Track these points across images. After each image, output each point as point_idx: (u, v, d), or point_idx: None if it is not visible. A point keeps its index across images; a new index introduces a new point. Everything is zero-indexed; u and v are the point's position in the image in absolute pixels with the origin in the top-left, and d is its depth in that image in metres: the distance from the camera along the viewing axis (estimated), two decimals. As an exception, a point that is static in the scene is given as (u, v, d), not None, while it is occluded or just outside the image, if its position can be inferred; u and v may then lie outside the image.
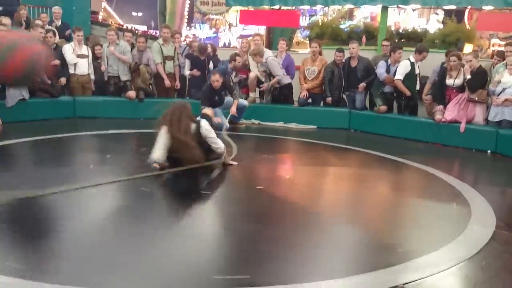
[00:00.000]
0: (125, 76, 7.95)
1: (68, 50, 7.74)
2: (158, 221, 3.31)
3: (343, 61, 7.92)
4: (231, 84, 7.69)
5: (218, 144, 4.75)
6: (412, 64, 7.23)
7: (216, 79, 6.70)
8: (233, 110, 7.02)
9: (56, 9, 9.18)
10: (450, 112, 6.70)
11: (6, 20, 7.21)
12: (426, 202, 4.17)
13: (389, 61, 7.51)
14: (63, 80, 7.69)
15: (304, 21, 14.25)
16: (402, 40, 9.25)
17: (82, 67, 7.83)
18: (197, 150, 4.52)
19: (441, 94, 6.93)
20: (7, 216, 3.25)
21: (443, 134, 6.75)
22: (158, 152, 4.46)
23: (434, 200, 4.20)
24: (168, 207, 3.73)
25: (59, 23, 8.97)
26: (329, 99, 8.01)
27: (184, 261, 2.66)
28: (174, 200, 3.90)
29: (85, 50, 7.89)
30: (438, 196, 4.33)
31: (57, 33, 8.28)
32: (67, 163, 5.04)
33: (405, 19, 12.43)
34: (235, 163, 4.96)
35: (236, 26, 15.96)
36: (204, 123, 4.70)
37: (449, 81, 6.80)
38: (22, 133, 6.01)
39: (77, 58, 7.74)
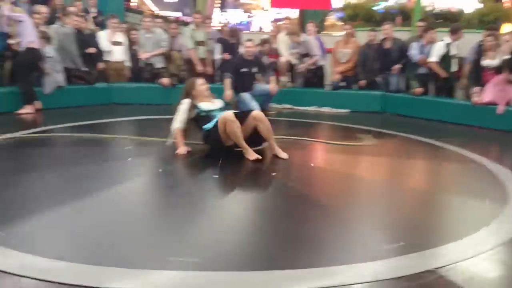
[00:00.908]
0: (159, 64, 8.05)
1: (103, 37, 7.87)
2: (195, 204, 3.33)
3: (377, 42, 7.77)
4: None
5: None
6: (447, 45, 7.02)
7: (249, 46, 6.64)
8: (272, 87, 6.93)
9: None
10: (488, 93, 6.48)
11: (43, 8, 7.38)
12: (462, 185, 4.06)
13: (422, 42, 7.31)
14: (101, 65, 7.83)
15: (338, 3, 13.99)
16: (438, 21, 8.98)
17: (117, 54, 7.97)
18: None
19: (477, 75, 6.71)
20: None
21: (481, 116, 6.55)
22: (179, 123, 4.57)
23: (470, 184, 4.10)
24: (203, 191, 3.76)
25: (94, 10, 9.11)
26: (362, 82, 7.89)
27: (224, 242, 2.69)
28: (208, 184, 3.93)
29: (120, 37, 8.01)
30: (475, 179, 4.21)
31: (92, 21, 8.42)
32: (103, 148, 5.14)
33: (441, -1, 12.00)
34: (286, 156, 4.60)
35: (269, 10, 15.84)
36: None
37: (485, 62, 6.57)
38: (59, 119, 6.17)
39: (112, 45, 7.87)
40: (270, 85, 6.93)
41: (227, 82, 6.59)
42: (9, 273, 2.23)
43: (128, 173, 4.11)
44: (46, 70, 6.88)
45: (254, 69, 6.87)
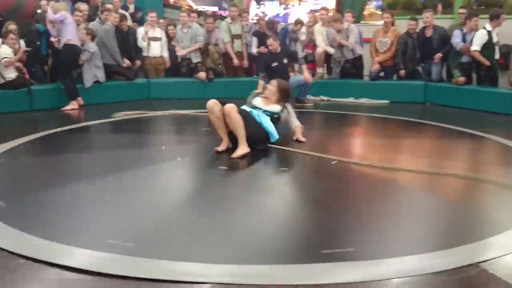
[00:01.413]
0: (196, 58, 8.11)
1: (141, 33, 8.00)
2: (241, 198, 3.35)
3: (417, 31, 7.55)
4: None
5: (295, 123, 4.93)
6: (489, 32, 6.75)
7: (270, 43, 6.66)
8: (307, 76, 6.88)
9: None
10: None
11: (84, 6, 7.57)
12: (507, 178, 3.90)
13: (465, 30, 7.06)
14: (138, 62, 7.98)
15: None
16: (481, 7, 8.65)
17: (155, 49, 8.07)
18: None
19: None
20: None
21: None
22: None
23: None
24: (247, 185, 3.75)
25: (132, 7, 9.26)
26: (402, 72, 7.70)
27: (263, 235, 2.69)
28: (251, 178, 3.92)
29: (158, 32, 8.10)
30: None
31: (129, 17, 8.56)
32: (144, 142, 5.23)
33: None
34: (304, 139, 4.90)
35: (306, 1, 15.70)
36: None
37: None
38: (99, 115, 6.33)
39: (150, 40, 7.98)
40: (304, 74, 6.86)
41: (260, 84, 6.55)
42: (51, 264, 2.29)
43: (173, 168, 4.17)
44: (86, 65, 7.05)
45: (285, 61, 6.82)
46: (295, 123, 4.94)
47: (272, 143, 4.54)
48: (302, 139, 4.91)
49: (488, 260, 2.33)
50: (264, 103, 4.78)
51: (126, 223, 2.83)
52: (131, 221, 2.86)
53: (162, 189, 3.56)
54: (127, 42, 7.85)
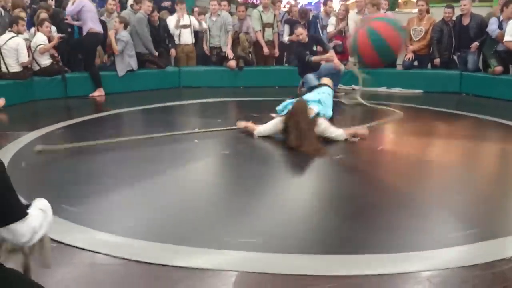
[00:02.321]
0: (226, 47, 8.09)
1: (171, 21, 8.02)
2: (268, 189, 3.34)
3: (454, 19, 7.33)
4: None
5: (336, 133, 4.45)
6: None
7: (299, 32, 6.61)
8: (336, 62, 6.77)
9: None
10: None
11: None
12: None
13: (502, 17, 6.81)
14: (173, 51, 8.01)
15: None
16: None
17: (186, 37, 8.08)
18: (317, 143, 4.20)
19: None
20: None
21: None
22: (263, 130, 4.51)
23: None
24: (272, 176, 3.74)
25: None
26: (437, 60, 7.50)
27: (292, 224, 2.69)
28: (278, 169, 3.91)
29: (187, 20, 8.11)
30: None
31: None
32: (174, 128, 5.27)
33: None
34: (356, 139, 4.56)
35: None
36: (321, 121, 4.43)
37: None
38: (132, 102, 6.42)
39: (181, 28, 7.99)
40: (334, 61, 6.75)
41: (316, 58, 6.62)
42: (83, 249, 2.35)
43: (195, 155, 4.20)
44: (115, 52, 7.14)
45: (314, 48, 6.81)
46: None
47: None
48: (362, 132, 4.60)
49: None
50: None
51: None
52: (155, 207, 2.90)
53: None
54: (158, 35, 7.88)
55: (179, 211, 2.86)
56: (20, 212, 1.34)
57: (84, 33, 6.83)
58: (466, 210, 2.95)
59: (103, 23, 7.40)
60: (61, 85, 6.80)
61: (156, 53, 7.80)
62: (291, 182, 3.56)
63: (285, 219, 2.76)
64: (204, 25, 8.06)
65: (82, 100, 6.73)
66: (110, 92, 7.05)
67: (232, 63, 7.92)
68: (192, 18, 8.16)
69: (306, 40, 6.69)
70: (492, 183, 3.56)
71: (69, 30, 7.26)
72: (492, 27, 6.84)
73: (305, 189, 3.39)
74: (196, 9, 8.89)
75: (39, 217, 1.40)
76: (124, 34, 7.17)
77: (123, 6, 7.98)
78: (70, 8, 6.76)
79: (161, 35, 7.94)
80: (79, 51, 7.18)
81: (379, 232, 2.57)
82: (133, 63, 7.36)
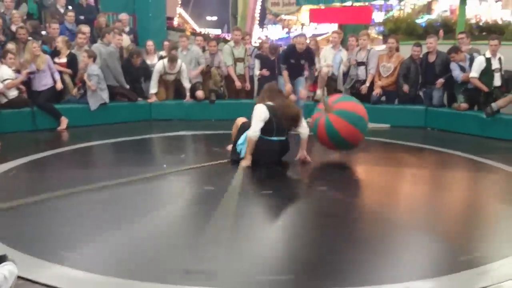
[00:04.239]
0: (196, 79, 8.15)
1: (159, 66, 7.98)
2: (225, 221, 3.31)
3: (421, 56, 7.61)
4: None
5: (305, 126, 4.87)
6: (488, 59, 6.80)
7: (302, 42, 6.96)
8: (302, 91, 7.01)
9: (123, 16, 9.49)
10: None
11: (86, 28, 7.64)
12: (508, 205, 3.88)
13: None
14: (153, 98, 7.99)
15: (378, 17, 13.89)
16: (483, 33, 8.73)
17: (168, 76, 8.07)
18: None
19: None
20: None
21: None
22: (254, 129, 4.62)
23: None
24: (233, 208, 3.73)
25: (127, 29, 9.29)
26: (406, 87, 7.64)
27: (258, 262, 2.67)
28: (239, 200, 3.90)
29: (155, 59, 8.23)
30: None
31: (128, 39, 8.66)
32: (142, 163, 5.22)
33: (487, 10, 11.71)
34: (309, 159, 4.94)
35: (309, 25, 15.87)
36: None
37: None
38: (102, 135, 6.36)
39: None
40: (301, 90, 7.00)
41: (285, 74, 7.03)
42: (42, 284, 2.29)
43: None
44: (91, 88, 7.10)
45: (302, 61, 7.15)
46: (303, 132, 4.87)
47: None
48: (307, 159, 4.92)
49: (488, 286, 2.34)
50: None
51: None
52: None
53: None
54: (142, 75, 8.03)
55: (147, 249, 2.81)
56: None
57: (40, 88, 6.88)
58: (433, 244, 2.99)
59: (73, 56, 7.39)
60: (29, 117, 6.68)
61: (127, 86, 7.79)
62: (254, 217, 3.55)
63: (257, 256, 2.74)
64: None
65: (51, 133, 6.62)
66: (80, 125, 6.98)
67: (200, 93, 7.93)
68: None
69: (303, 49, 6.99)
70: (459, 216, 3.63)
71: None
72: (455, 73, 7.14)
73: (271, 223, 3.38)
74: (166, 43, 8.97)
75: None
76: (95, 68, 7.14)
77: (93, 40, 7.98)
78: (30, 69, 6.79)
79: (140, 75, 7.98)
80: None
81: (344, 267, 2.58)
82: (105, 96, 7.33)
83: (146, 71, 8.03)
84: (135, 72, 7.86)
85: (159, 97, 8.00)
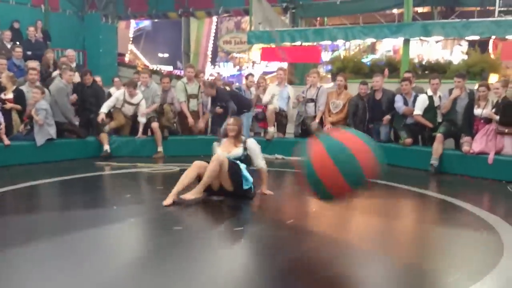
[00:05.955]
0: (149, 114, 8.07)
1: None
2: (187, 260, 3.26)
3: (367, 93, 7.92)
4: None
5: (263, 162, 4.99)
6: (430, 97, 7.21)
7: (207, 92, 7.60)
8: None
9: (70, 52, 9.43)
10: (478, 143, 6.55)
11: (34, 63, 7.48)
12: (455, 235, 4.03)
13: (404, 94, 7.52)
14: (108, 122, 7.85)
15: (326, 56, 14.41)
16: (426, 72, 9.23)
17: (127, 109, 7.94)
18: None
19: (469, 124, 6.81)
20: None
21: (471, 165, 6.59)
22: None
23: (464, 234, 4.07)
24: (195, 245, 3.68)
25: (73, 65, 9.17)
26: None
27: None
28: (202, 238, 3.85)
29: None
30: (468, 229, 4.19)
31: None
32: (89, 203, 5.05)
33: (429, 50, 12.43)
34: (271, 193, 5.07)
35: (260, 63, 16.22)
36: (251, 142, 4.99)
37: (477, 111, 6.70)
38: (49, 173, 6.13)
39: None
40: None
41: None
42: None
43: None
44: (38, 122, 6.89)
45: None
46: (260, 165, 4.98)
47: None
48: (268, 192, 5.05)
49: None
50: (226, 151, 4.83)
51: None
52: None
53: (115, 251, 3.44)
54: (93, 95, 7.93)
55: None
56: None
57: None
58: (386, 273, 3.05)
59: (20, 92, 7.18)
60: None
61: (76, 122, 7.63)
62: (214, 253, 3.50)
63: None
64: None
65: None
66: (26, 163, 6.73)
67: (155, 125, 7.82)
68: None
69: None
70: (410, 246, 3.73)
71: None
72: (398, 104, 7.48)
73: (234, 259, 3.35)
74: (116, 79, 8.89)
75: None
76: (43, 103, 6.97)
77: (42, 76, 7.81)
78: None
79: (90, 95, 7.84)
80: None
81: None
82: (52, 132, 7.12)
83: (97, 92, 7.97)
84: (86, 91, 7.76)
85: (116, 122, 7.85)
